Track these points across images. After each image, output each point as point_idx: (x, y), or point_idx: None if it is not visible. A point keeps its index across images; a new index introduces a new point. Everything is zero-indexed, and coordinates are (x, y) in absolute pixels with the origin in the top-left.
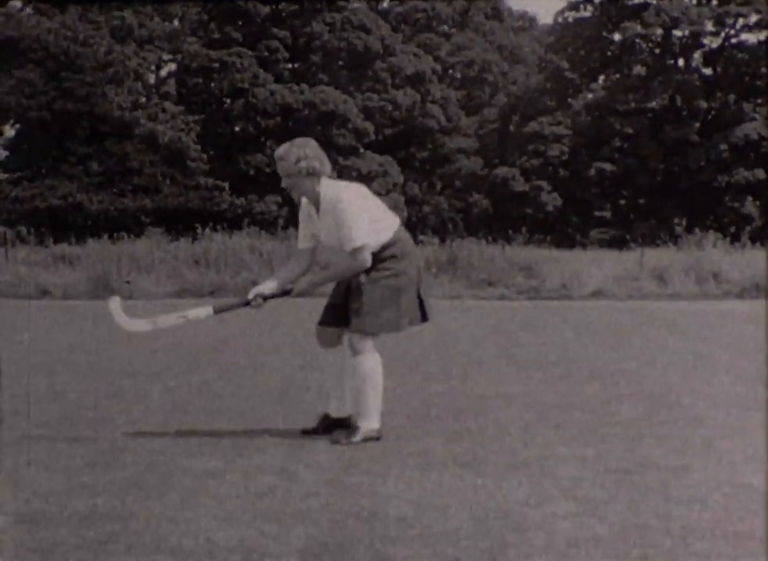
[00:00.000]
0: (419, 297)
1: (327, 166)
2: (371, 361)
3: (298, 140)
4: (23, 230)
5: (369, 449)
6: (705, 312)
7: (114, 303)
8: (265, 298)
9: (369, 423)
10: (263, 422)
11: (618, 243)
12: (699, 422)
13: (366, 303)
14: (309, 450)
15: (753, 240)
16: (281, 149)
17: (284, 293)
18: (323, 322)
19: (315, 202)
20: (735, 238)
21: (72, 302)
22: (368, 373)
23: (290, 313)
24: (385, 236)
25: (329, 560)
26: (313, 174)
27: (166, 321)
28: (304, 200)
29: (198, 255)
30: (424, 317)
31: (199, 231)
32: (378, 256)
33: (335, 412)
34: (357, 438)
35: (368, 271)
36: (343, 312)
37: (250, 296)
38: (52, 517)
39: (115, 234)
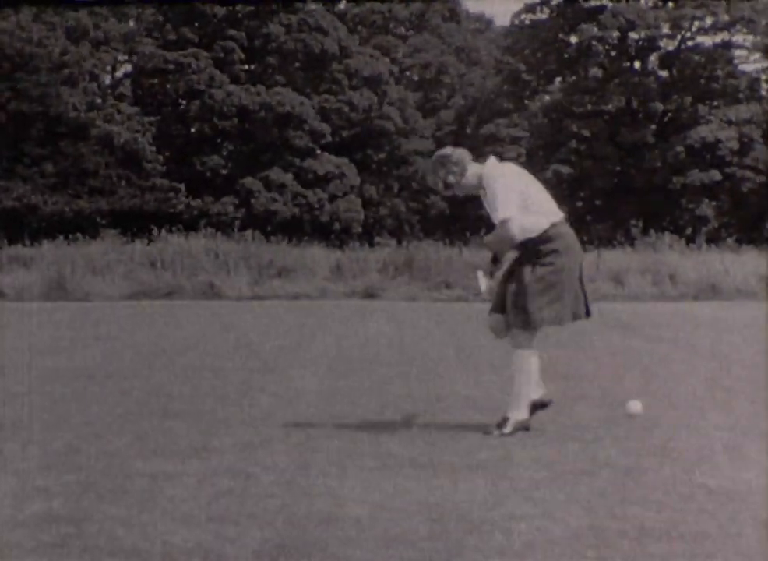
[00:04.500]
0: (583, 291)
1: (466, 157)
2: (528, 355)
3: (435, 165)
4: None
5: (326, 450)
6: (661, 313)
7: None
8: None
9: (519, 414)
10: (219, 424)
11: None
12: (655, 423)
13: (531, 300)
14: (266, 452)
15: (709, 242)
16: (434, 185)
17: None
18: (493, 309)
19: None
20: (691, 240)
21: (26, 304)
22: (525, 366)
23: (246, 316)
24: (538, 222)
25: None
26: (464, 172)
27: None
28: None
29: (153, 257)
30: (587, 311)
31: (154, 232)
32: (541, 250)
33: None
34: (509, 429)
35: (532, 266)
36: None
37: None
38: (7, 520)
39: (70, 236)
